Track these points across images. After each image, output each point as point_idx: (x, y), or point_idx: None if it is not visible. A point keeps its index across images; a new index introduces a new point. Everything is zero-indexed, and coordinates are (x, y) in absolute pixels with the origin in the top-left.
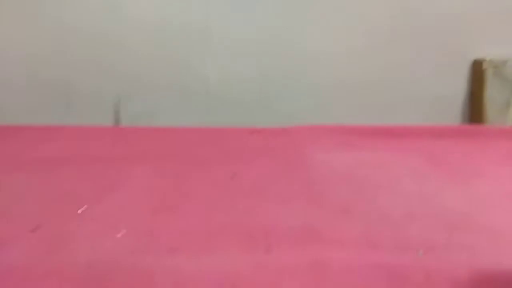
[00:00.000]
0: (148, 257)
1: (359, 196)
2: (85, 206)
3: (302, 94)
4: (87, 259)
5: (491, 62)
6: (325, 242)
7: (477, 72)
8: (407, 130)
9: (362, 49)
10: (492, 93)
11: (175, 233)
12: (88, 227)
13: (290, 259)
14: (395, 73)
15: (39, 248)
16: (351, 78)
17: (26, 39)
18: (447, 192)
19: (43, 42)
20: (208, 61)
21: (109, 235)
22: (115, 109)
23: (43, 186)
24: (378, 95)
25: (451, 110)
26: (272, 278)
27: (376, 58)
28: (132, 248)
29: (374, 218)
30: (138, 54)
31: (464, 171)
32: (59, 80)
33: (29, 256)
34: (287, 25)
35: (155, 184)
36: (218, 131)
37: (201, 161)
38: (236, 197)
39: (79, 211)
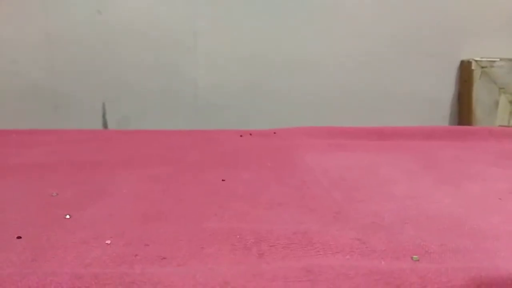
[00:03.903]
0: (137, 266)
1: (351, 199)
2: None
3: (292, 98)
4: (73, 269)
5: (479, 63)
6: (318, 248)
7: (465, 73)
8: (397, 131)
9: (350, 52)
10: (480, 94)
11: (164, 241)
12: (74, 235)
13: (283, 266)
14: (384, 75)
15: (22, 258)
16: (340, 82)
17: (11, 44)
18: (439, 194)
19: (29, 47)
20: (196, 65)
21: (96, 243)
22: (102, 112)
23: (27, 192)
24: (367, 97)
25: (440, 111)
26: (265, 285)
27: (364, 60)
28: (120, 257)
29: (367, 222)
30: (126, 58)
31: (455, 172)
32: (45, 85)
33: (12, 266)
34: (276, 29)
35: (143, 189)
36: (207, 133)
37: (190, 164)
38: (227, 202)
39: (67, 216)
